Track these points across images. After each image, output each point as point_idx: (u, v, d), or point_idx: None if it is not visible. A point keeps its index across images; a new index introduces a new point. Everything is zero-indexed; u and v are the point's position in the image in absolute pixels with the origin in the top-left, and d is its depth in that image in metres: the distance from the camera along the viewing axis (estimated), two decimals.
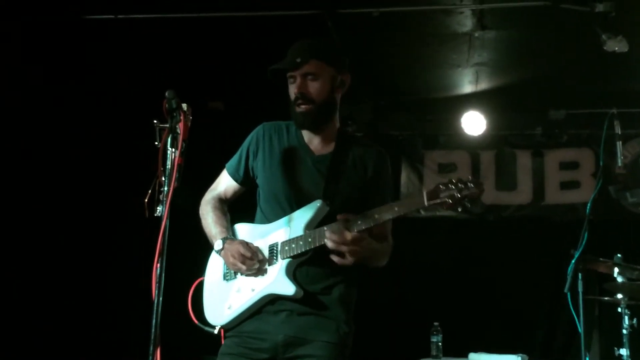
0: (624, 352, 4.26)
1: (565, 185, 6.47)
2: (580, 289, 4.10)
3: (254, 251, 2.52)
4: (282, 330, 2.46)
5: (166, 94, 2.09)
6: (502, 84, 5.90)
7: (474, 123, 6.18)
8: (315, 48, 2.57)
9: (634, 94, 5.72)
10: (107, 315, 5.50)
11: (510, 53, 5.40)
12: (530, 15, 4.63)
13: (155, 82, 3.84)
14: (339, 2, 4.57)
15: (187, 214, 2.77)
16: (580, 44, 4.91)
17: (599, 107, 5.57)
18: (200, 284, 2.71)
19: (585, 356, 4.03)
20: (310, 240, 2.44)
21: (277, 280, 2.47)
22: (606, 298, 4.58)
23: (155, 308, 1.98)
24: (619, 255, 4.40)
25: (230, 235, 2.62)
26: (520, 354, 5.15)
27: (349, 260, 2.38)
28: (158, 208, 2.08)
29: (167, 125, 2.11)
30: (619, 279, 4.32)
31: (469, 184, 2.28)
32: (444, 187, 2.30)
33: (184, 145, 2.11)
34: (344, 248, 2.36)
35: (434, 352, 5.48)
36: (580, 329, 4.06)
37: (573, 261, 3.97)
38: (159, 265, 2.00)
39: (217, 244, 2.60)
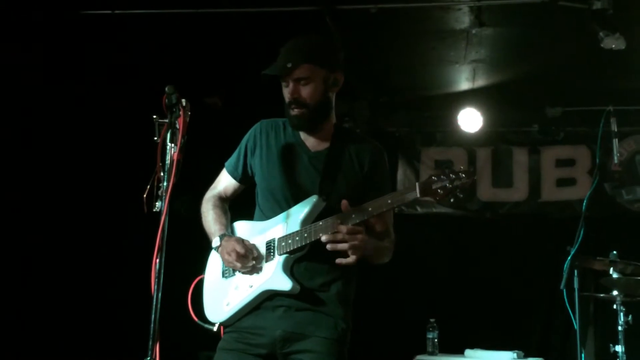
0: (619, 348, 4.28)
1: (562, 182, 6.48)
2: (576, 285, 4.13)
3: (248, 248, 2.52)
4: (280, 325, 2.46)
5: (166, 89, 2.09)
6: (499, 81, 5.90)
7: (470, 120, 6.18)
8: (306, 50, 2.53)
9: (630, 92, 5.72)
10: (106, 311, 5.49)
11: (508, 50, 5.40)
12: (528, 12, 4.63)
13: (152, 78, 3.83)
14: None
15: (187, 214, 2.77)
16: (577, 41, 4.91)
17: (595, 104, 5.60)
18: (200, 282, 2.72)
19: (581, 353, 4.05)
20: (305, 235, 2.44)
21: (274, 276, 2.48)
22: (602, 295, 4.61)
23: (154, 303, 1.98)
24: (614, 252, 4.43)
25: (228, 233, 2.62)
26: (516, 351, 5.17)
27: (351, 258, 2.38)
28: (157, 203, 2.08)
29: (167, 121, 2.10)
30: (615, 275, 4.35)
31: (460, 174, 2.32)
32: (436, 178, 2.34)
33: (183, 140, 2.11)
34: (340, 242, 2.36)
35: (430, 349, 5.50)
36: (576, 326, 4.08)
37: (569, 258, 3.99)
38: (158, 260, 2.00)
39: (215, 241, 2.60)
